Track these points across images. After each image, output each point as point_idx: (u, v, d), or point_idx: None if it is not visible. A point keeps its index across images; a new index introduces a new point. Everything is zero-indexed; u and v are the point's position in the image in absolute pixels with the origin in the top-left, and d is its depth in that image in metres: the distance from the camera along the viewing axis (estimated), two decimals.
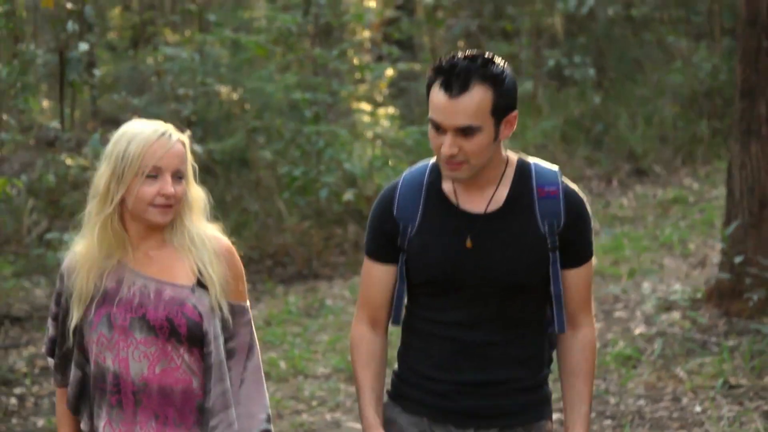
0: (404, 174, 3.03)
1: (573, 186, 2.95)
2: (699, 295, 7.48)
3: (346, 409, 6.22)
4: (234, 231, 10.47)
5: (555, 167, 2.95)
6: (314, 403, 6.37)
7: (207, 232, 2.94)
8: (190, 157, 2.91)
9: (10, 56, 13.43)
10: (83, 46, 7.82)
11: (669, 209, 10.52)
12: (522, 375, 2.94)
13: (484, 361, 2.90)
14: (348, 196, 9.54)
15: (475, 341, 2.90)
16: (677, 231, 9.73)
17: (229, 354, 2.89)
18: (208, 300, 2.87)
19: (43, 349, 3.07)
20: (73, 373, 2.93)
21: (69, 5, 8.12)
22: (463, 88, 2.77)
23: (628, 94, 12.55)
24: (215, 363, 2.86)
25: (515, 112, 2.86)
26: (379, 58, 13.03)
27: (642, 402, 5.98)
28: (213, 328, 2.87)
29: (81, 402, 2.95)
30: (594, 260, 2.96)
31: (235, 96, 10.58)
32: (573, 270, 2.92)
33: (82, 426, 2.97)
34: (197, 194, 2.94)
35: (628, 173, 11.61)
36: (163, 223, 2.88)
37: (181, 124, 10.76)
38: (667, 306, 7.57)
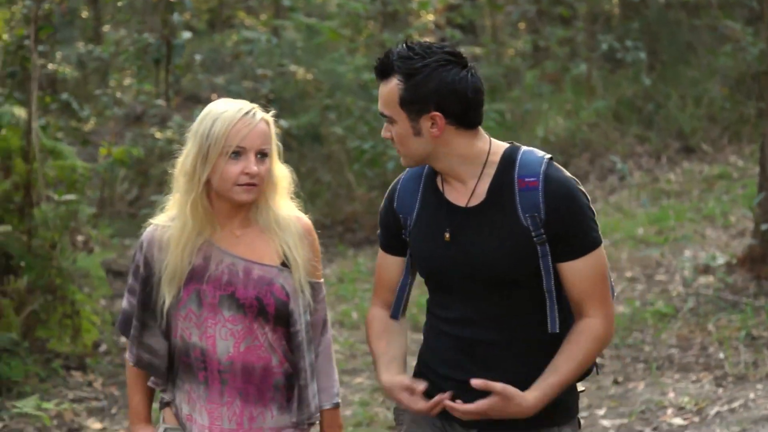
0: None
1: (561, 174, 2.79)
2: (734, 262, 8.19)
3: (411, 352, 7.07)
4: (308, 200, 11.37)
5: (543, 155, 2.80)
6: None
7: (290, 213, 2.95)
8: (274, 136, 2.91)
9: (101, 40, 14.42)
10: (186, 35, 8.71)
11: (714, 184, 11.17)
12: (527, 378, 2.75)
13: (487, 361, 2.79)
14: None
15: (476, 339, 2.80)
16: (720, 204, 10.39)
17: (311, 328, 2.94)
18: (293, 281, 2.90)
19: (117, 324, 3.04)
20: (162, 344, 2.92)
21: None
22: (383, 77, 2.78)
23: (678, 76, 13.15)
24: (304, 341, 2.91)
25: (439, 114, 2.73)
26: (442, 41, 13.77)
27: (673, 350, 6.74)
28: (298, 308, 2.90)
29: (169, 373, 2.96)
30: (601, 250, 2.77)
31: (309, 76, 11.42)
32: (571, 263, 2.75)
33: (166, 396, 2.99)
34: (282, 173, 2.94)
35: (677, 150, 12.25)
36: (247, 201, 2.87)
37: (260, 101, 11.65)
38: (704, 270, 8.29)
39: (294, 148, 11.28)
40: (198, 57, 10.83)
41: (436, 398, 2.75)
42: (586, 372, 2.86)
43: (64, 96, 9.76)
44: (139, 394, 3.01)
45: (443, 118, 2.73)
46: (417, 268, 2.92)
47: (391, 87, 2.75)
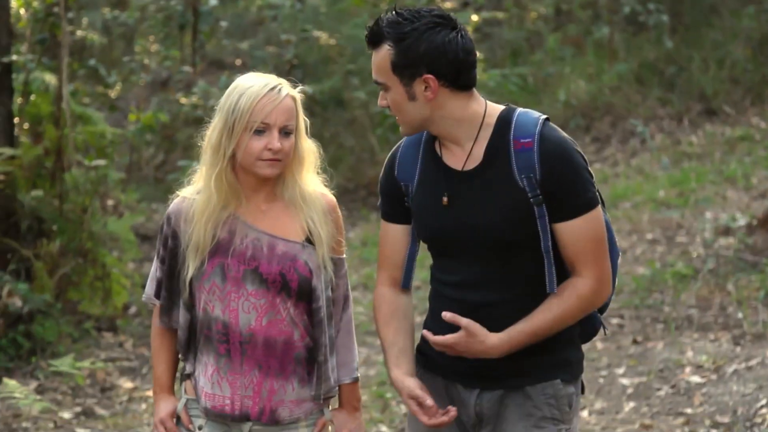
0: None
1: (557, 134, 2.81)
2: (754, 223, 8.26)
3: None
4: (331, 164, 11.48)
5: (539, 115, 2.83)
6: None
7: (316, 189, 2.98)
8: (301, 112, 2.93)
9: (126, 5, 14.53)
10: (213, 1, 8.82)
11: (735, 146, 11.21)
12: None
13: (489, 322, 2.80)
14: None
15: (478, 301, 2.83)
16: (741, 166, 10.44)
17: (332, 303, 2.98)
18: (317, 257, 2.93)
19: (147, 291, 3.06)
20: (183, 316, 2.97)
21: None
22: (374, 45, 2.81)
23: (701, 39, 13.15)
24: (325, 316, 2.95)
25: (431, 76, 2.76)
26: (465, 4, 13.81)
27: (692, 311, 6.85)
28: (321, 284, 2.94)
29: (189, 344, 2.99)
30: (598, 211, 2.79)
31: (332, 41, 11.51)
32: (565, 223, 2.77)
33: (187, 367, 3.02)
34: (308, 148, 2.96)
35: (699, 113, 12.28)
36: (270, 175, 2.90)
37: (283, 66, 11.75)
38: (724, 231, 8.37)
39: (317, 113, 11.39)
40: (224, 23, 10.91)
41: (439, 419, 2.81)
42: (590, 333, 2.91)
43: (92, 62, 9.90)
44: (164, 363, 3.04)
45: (436, 80, 2.76)
46: (418, 234, 2.92)
47: (383, 53, 2.77)
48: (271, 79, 2.90)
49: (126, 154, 10.05)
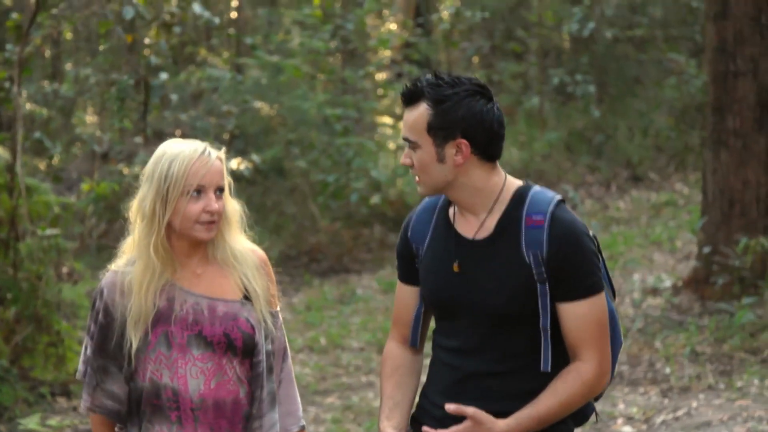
0: (425, 199, 3.06)
1: (568, 215, 2.85)
2: (680, 284, 8.69)
3: (378, 373, 7.48)
4: (273, 231, 11.80)
5: (554, 195, 2.87)
6: (351, 369, 7.66)
7: (245, 245, 3.00)
8: (226, 172, 2.96)
9: (61, 77, 14.76)
10: (163, 76, 9.13)
11: (661, 211, 11.74)
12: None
13: (484, 392, 2.84)
14: (375, 199, 10.82)
15: (474, 370, 2.86)
16: (667, 230, 10.93)
17: (272, 355, 2.98)
18: (256, 312, 2.95)
19: (80, 369, 2.97)
20: (121, 388, 2.92)
21: (147, 40, 9.43)
22: (410, 102, 2.86)
23: (626, 108, 13.76)
24: (263, 370, 2.95)
25: (463, 141, 2.82)
26: (399, 75, 14.29)
27: (624, 367, 7.20)
28: (261, 338, 2.95)
29: (132, 417, 2.96)
30: (601, 297, 2.81)
31: (273, 112, 11.87)
32: (569, 304, 2.80)
33: None
34: (234, 208, 2.98)
35: (626, 179, 12.83)
36: (207, 238, 2.91)
37: (225, 137, 12.06)
38: (651, 292, 8.79)
39: (259, 182, 11.70)
40: (174, 96, 11.22)
41: None
42: (582, 417, 2.92)
43: (37, 135, 10.11)
44: None
45: (469, 146, 2.82)
46: (424, 296, 2.96)
47: (420, 112, 2.82)
48: (196, 144, 2.92)
49: (74, 224, 10.23)
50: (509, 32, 14.44)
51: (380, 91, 13.53)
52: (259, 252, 3.02)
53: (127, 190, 11.62)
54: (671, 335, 7.60)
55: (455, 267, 2.86)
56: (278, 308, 3.02)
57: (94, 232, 12.32)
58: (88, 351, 2.93)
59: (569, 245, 2.78)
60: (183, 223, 2.87)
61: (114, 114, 10.23)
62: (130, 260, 2.93)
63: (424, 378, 3.01)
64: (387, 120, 13.12)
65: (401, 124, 3.01)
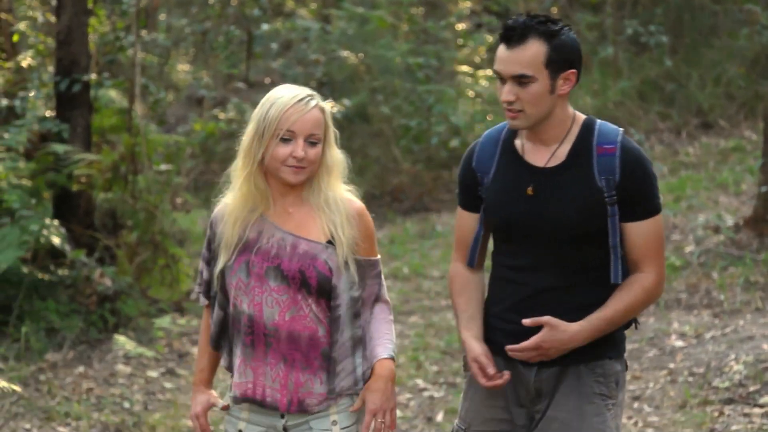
0: (486, 132, 3.26)
1: (634, 145, 3.08)
2: (741, 222, 9.25)
3: None
4: (358, 173, 12.56)
5: (618, 127, 3.10)
6: (432, 294, 8.45)
7: (342, 195, 3.08)
8: (330, 123, 3.05)
9: (155, 27, 15.66)
10: (265, 26, 9.91)
11: (728, 156, 12.22)
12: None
13: (553, 306, 3.05)
14: (454, 143, 11.53)
15: (540, 286, 3.08)
16: (733, 174, 11.44)
17: (360, 301, 3.08)
18: (337, 257, 3.04)
19: (196, 290, 3.22)
20: (216, 312, 3.11)
21: None
22: (520, 40, 3.00)
23: (699, 58, 14.16)
24: (342, 315, 3.05)
25: (573, 71, 3.04)
26: (478, 26, 14.88)
27: (682, 295, 7.85)
28: (341, 283, 3.04)
29: (221, 339, 3.13)
30: (661, 216, 3.07)
31: (358, 61, 12.58)
32: (635, 223, 3.04)
33: (222, 361, 3.18)
34: (336, 158, 3.07)
35: (696, 126, 13.30)
36: (294, 182, 3.03)
37: (313, 84, 12.82)
38: (714, 230, 9.38)
39: (345, 126, 12.45)
40: (274, 46, 12.00)
41: (498, 381, 3.09)
42: (628, 322, 3.14)
43: (144, 80, 10.97)
44: (206, 357, 3.20)
45: (575, 75, 3.07)
46: (490, 220, 3.17)
47: (535, 48, 3.00)
48: (301, 91, 3.05)
49: (186, 160, 11.09)
50: None
51: (460, 41, 14.15)
52: (357, 204, 3.10)
53: (221, 134, 12.48)
54: (729, 268, 8.21)
55: (529, 191, 3.08)
56: (376, 257, 3.12)
57: (191, 172, 13.24)
58: (204, 275, 3.16)
59: (638, 171, 3.04)
60: (272, 164, 3.02)
61: (221, 62, 11.01)
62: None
63: None
64: (466, 69, 13.75)
65: (502, 63, 3.04)
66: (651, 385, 6.04)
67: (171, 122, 14.15)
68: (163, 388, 6.36)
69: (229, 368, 3.13)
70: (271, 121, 2.98)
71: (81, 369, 6.41)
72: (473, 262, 3.22)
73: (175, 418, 5.84)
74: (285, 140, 2.98)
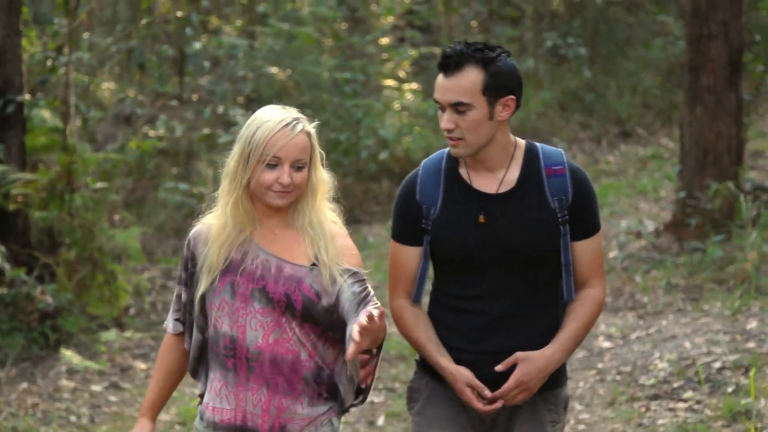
0: (423, 163, 3.23)
1: (578, 165, 3.19)
2: (661, 227, 9.63)
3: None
4: None
5: (560, 149, 3.18)
6: None
7: (325, 216, 3.08)
8: (316, 145, 3.04)
9: (79, 45, 15.65)
10: (197, 45, 10.03)
11: (647, 164, 12.66)
12: (541, 343, 3.10)
13: (507, 331, 3.10)
14: (383, 156, 11.77)
15: (497, 312, 3.10)
16: (652, 181, 11.86)
17: (364, 299, 2.98)
18: (322, 279, 2.99)
19: (171, 317, 3.15)
20: (195, 336, 3.07)
21: (179, 13, 10.34)
22: (456, 68, 3.02)
23: (616, 68, 14.64)
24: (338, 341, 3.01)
25: (512, 97, 3.05)
26: (401, 40, 15.16)
27: (608, 299, 8.17)
28: (324, 306, 2.99)
29: (199, 364, 3.10)
30: (600, 233, 3.18)
31: (286, 76, 12.75)
32: (582, 242, 3.12)
33: (200, 387, 3.11)
34: (322, 179, 3.07)
35: (615, 135, 13.74)
36: (280, 206, 3.01)
37: (241, 100, 12.96)
38: (636, 235, 9.74)
39: None
40: (207, 64, 12.11)
41: (497, 404, 3.11)
42: None
43: (74, 99, 11.02)
44: (158, 383, 3.14)
45: (515, 101, 3.09)
46: (441, 252, 3.15)
47: (472, 76, 3.03)
48: (287, 115, 3.01)
49: (120, 178, 11.15)
50: None
51: (385, 56, 14.41)
52: (338, 226, 3.10)
53: (152, 152, 12.49)
54: (651, 271, 8.55)
55: (481, 219, 3.10)
56: (360, 270, 3.04)
57: (121, 190, 13.28)
58: (183, 297, 3.12)
59: (587, 190, 3.15)
60: (257, 188, 3.00)
61: (154, 80, 11.10)
62: (216, 215, 3.10)
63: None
64: (391, 83, 14.02)
65: (440, 91, 3.08)
66: (581, 384, 6.33)
67: (99, 140, 14.19)
68: (108, 402, 6.48)
69: (203, 395, 3.09)
70: (257, 146, 2.96)
71: (25, 385, 6.49)
72: (419, 299, 3.22)
73: (122, 430, 5.97)
74: (271, 166, 2.97)
